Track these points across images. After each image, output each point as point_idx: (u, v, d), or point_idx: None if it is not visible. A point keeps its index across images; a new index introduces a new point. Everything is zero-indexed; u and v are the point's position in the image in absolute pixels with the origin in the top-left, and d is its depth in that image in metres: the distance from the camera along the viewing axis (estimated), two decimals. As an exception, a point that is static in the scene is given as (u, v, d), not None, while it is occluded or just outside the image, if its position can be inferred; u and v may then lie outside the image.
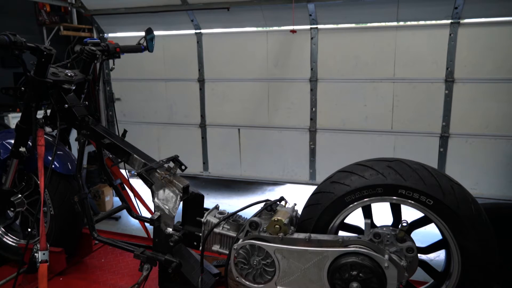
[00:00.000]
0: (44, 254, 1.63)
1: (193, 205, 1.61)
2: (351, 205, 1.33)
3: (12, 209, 1.96)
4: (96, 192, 5.09)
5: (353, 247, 1.26)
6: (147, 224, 1.85)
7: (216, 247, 1.52)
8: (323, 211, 1.36)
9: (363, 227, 1.37)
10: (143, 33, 1.97)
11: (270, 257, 1.33)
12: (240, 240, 1.38)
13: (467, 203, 1.23)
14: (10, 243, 2.05)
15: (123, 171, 2.23)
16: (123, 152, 1.68)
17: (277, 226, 1.34)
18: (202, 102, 4.80)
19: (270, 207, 1.45)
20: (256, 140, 4.67)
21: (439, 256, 1.44)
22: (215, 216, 1.54)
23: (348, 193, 1.32)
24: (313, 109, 4.31)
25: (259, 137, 4.64)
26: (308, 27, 4.15)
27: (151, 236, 2.10)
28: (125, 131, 1.77)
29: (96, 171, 5.23)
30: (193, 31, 4.63)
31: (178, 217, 1.59)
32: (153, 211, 1.60)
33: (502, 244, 1.28)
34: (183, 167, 1.65)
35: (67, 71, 1.79)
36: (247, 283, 1.39)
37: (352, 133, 4.19)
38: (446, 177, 1.27)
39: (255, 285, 1.38)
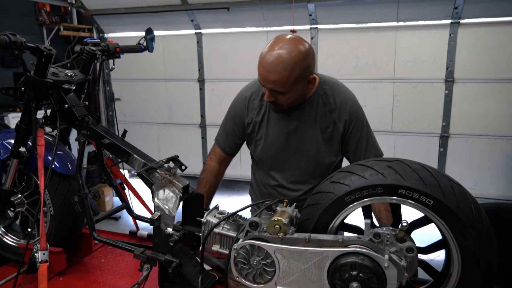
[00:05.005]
0: (44, 254, 1.63)
1: (193, 205, 1.61)
2: (351, 205, 1.33)
3: (12, 209, 1.96)
4: (96, 192, 5.10)
5: (353, 247, 1.26)
6: (146, 225, 1.85)
7: (216, 247, 1.52)
8: (323, 211, 1.36)
9: (363, 227, 1.37)
10: (143, 33, 1.97)
11: (270, 257, 1.33)
12: (240, 240, 1.38)
13: (467, 203, 1.23)
14: (10, 243, 2.05)
15: (122, 171, 2.23)
16: (123, 152, 1.68)
17: (277, 226, 1.34)
18: (202, 102, 4.80)
19: (270, 207, 1.45)
20: (256, 140, 4.67)
21: (439, 256, 1.44)
22: (215, 216, 1.54)
23: (348, 193, 1.32)
24: (313, 109, 4.31)
25: (259, 137, 4.63)
26: (308, 27, 4.16)
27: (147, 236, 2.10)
28: (125, 131, 1.77)
29: (96, 171, 5.24)
30: (193, 31, 4.63)
31: (178, 217, 1.59)
32: (153, 211, 1.60)
33: (502, 244, 1.28)
34: (183, 167, 1.64)
35: (67, 71, 1.79)
36: (247, 283, 1.39)
37: (352, 133, 4.19)
38: (446, 177, 1.26)
39: (255, 285, 1.38)
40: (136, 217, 1.97)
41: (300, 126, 1.71)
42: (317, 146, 1.70)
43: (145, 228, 2.20)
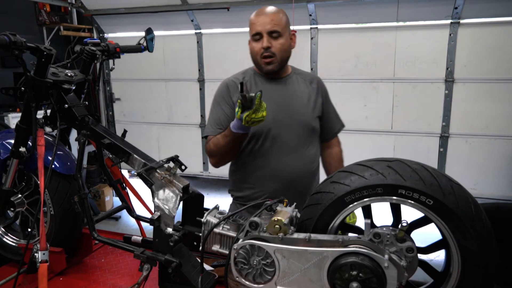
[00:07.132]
0: (44, 254, 1.63)
1: (193, 205, 1.61)
2: (351, 205, 1.33)
3: (12, 209, 1.96)
4: (96, 192, 5.10)
5: (353, 247, 1.26)
6: (146, 225, 1.85)
7: (216, 247, 1.52)
8: (323, 211, 1.36)
9: (363, 227, 1.37)
10: (143, 33, 1.97)
11: (270, 257, 1.33)
12: (240, 240, 1.38)
13: (467, 203, 1.23)
14: (10, 243, 2.05)
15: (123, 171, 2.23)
16: (123, 152, 1.68)
17: (277, 226, 1.34)
18: (202, 102, 4.79)
19: (270, 207, 1.46)
20: (256, 140, 4.66)
21: (439, 256, 1.44)
22: (215, 216, 1.54)
23: (348, 193, 1.32)
24: (313, 109, 4.31)
25: (259, 137, 4.63)
26: (308, 27, 4.15)
27: (146, 236, 2.10)
28: (125, 131, 1.77)
29: (96, 171, 5.24)
30: (193, 31, 4.63)
31: (178, 217, 1.59)
32: (153, 211, 1.60)
33: (502, 244, 1.28)
34: (183, 167, 1.64)
35: (67, 71, 1.79)
36: (247, 283, 1.39)
37: (352, 133, 4.18)
38: (446, 177, 1.26)
39: (255, 285, 1.38)
40: (136, 217, 1.97)
41: (287, 96, 1.88)
42: (308, 113, 1.88)
43: (145, 229, 2.20)
